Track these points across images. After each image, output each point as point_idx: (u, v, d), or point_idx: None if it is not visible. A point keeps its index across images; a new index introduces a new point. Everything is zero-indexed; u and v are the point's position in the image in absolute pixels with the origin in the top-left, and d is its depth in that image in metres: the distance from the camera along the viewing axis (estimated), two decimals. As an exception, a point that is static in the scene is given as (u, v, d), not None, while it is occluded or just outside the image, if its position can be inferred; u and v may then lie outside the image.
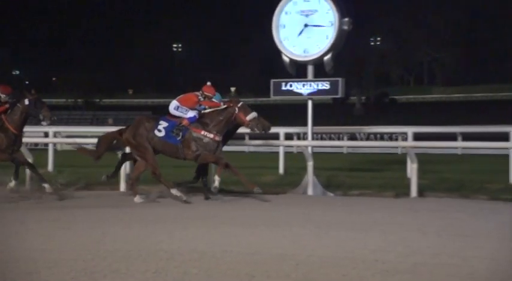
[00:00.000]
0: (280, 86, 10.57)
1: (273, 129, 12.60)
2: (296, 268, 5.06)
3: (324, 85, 10.32)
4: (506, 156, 11.33)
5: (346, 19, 10.09)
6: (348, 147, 20.32)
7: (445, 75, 59.84)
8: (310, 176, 10.03)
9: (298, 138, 16.94)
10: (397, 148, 17.90)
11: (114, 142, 9.48)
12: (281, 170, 12.37)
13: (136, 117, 9.75)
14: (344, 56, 28.82)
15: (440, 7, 55.43)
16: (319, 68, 10.51)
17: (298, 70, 10.76)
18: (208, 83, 9.44)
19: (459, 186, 10.23)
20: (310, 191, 9.99)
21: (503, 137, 12.81)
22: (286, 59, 10.53)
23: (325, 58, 10.28)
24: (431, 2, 55.06)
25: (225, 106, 9.04)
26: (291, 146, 16.60)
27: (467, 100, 52.67)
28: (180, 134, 8.89)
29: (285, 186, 10.51)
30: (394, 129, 18.54)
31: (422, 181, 10.04)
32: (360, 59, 48.84)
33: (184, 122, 8.95)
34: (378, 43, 56.76)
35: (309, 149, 10.37)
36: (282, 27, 10.45)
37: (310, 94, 10.40)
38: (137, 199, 8.92)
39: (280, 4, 10.43)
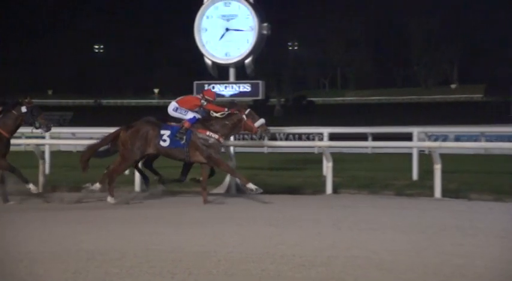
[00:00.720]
0: (203, 87, 10.49)
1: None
2: (218, 265, 5.02)
3: (245, 87, 10.35)
4: (411, 154, 11.75)
5: (265, 24, 10.16)
6: (269, 147, 20.49)
7: (357, 79, 61.51)
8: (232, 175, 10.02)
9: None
10: (314, 147, 18.18)
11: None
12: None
13: (141, 122, 9.00)
14: (264, 59, 29.08)
15: (353, 15, 56.89)
16: (241, 71, 10.53)
17: (220, 72, 10.73)
18: (208, 87, 9.35)
19: (369, 183, 10.50)
20: (232, 190, 9.99)
21: (408, 137, 13.29)
22: (208, 62, 10.49)
23: (246, 61, 10.31)
24: (344, 10, 56.39)
25: (228, 111, 8.80)
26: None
27: (377, 102, 54.34)
28: (184, 137, 8.61)
29: (207, 185, 10.42)
30: (311, 130, 18.81)
31: (336, 178, 10.22)
32: (279, 62, 49.41)
33: (186, 125, 8.70)
34: (296, 48, 57.63)
35: (231, 149, 10.36)
36: (203, 30, 10.39)
37: (232, 96, 10.39)
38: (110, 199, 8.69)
39: (202, 8, 10.36)
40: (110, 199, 8.62)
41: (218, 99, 10.59)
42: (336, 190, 9.77)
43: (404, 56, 57.52)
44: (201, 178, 8.91)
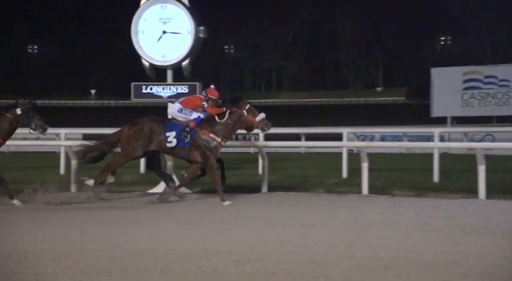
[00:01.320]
0: (141, 89, 10.34)
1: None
2: (155, 263, 4.94)
3: (183, 89, 10.26)
4: (341, 154, 11.97)
5: (202, 28, 10.11)
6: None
7: (291, 82, 62.27)
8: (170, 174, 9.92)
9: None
10: (250, 147, 18.22)
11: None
12: (142, 169, 12.08)
13: (145, 119, 8.71)
14: (201, 62, 28.97)
15: (286, 20, 57.54)
16: (179, 73, 10.43)
17: (159, 74, 10.59)
18: (212, 86, 9.03)
19: (302, 181, 10.63)
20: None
21: (338, 137, 13.57)
22: (146, 64, 10.34)
23: (184, 63, 10.22)
24: (278, 15, 56.94)
25: (229, 111, 8.64)
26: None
27: (310, 104, 55.10)
28: (188, 136, 8.42)
29: (145, 185, 10.27)
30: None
31: (272, 177, 10.29)
32: (216, 65, 49.37)
33: (191, 124, 8.50)
34: (232, 51, 57.74)
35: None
36: (141, 33, 10.22)
37: (170, 97, 10.26)
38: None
39: (139, 11, 10.19)
40: (89, 182, 8.41)
41: (157, 100, 10.48)
42: (271, 188, 9.82)
43: (334, 60, 58.77)
44: (185, 174, 8.79)
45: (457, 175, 10.20)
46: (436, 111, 20.71)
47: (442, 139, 16.12)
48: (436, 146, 11.68)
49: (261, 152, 10.20)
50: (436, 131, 13.92)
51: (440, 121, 20.18)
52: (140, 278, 4.54)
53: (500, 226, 6.46)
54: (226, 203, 8.22)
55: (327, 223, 6.86)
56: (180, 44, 10.12)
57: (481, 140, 16.96)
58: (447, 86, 20.70)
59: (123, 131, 8.53)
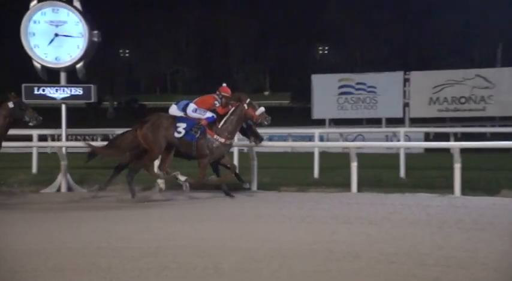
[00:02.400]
0: (33, 90, 9.76)
1: (27, 131, 11.65)
2: (46, 261, 4.70)
3: (77, 91, 9.83)
4: (233, 153, 12.00)
5: (96, 31, 9.73)
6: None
7: (185, 85, 62.06)
8: (63, 174, 9.48)
9: (53, 140, 15.84)
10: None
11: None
12: (34, 169, 11.45)
13: (153, 115, 8.57)
14: (96, 64, 27.96)
15: (179, 26, 57.22)
16: (74, 75, 9.98)
17: (53, 76, 10.06)
18: (224, 84, 8.75)
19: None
20: (63, 189, 9.44)
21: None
22: (37, 65, 9.77)
23: (78, 66, 9.79)
24: (172, 21, 56.43)
25: (233, 108, 8.45)
26: (45, 147, 15.51)
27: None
28: (199, 132, 8.28)
29: (38, 184, 9.74)
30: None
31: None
32: (111, 68, 47.99)
33: (203, 122, 8.36)
34: (127, 55, 56.52)
35: (63, 149, 9.79)
36: (31, 35, 9.64)
37: (63, 99, 9.80)
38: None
39: (28, 13, 9.59)
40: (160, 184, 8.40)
41: (51, 101, 9.95)
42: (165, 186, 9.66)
43: (225, 66, 59.36)
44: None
45: (334, 171, 10.61)
46: (316, 113, 21.49)
47: (321, 139, 16.70)
48: (316, 146, 12.10)
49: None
50: (316, 131, 14.47)
51: (320, 123, 20.93)
52: (30, 278, 4.29)
53: (369, 216, 6.82)
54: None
55: (219, 217, 6.89)
56: (73, 47, 9.69)
57: (353, 140, 17.82)
58: (325, 91, 21.58)
59: (137, 134, 8.27)
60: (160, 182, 8.75)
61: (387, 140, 16.89)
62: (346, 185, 9.07)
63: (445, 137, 15.20)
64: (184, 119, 8.42)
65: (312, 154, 11.44)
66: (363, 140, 17.61)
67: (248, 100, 8.58)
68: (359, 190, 8.93)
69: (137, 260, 4.81)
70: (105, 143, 9.29)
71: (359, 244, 5.34)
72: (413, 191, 8.54)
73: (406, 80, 19.92)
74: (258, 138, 8.94)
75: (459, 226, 6.11)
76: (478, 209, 7.13)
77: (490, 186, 8.65)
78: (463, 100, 18.64)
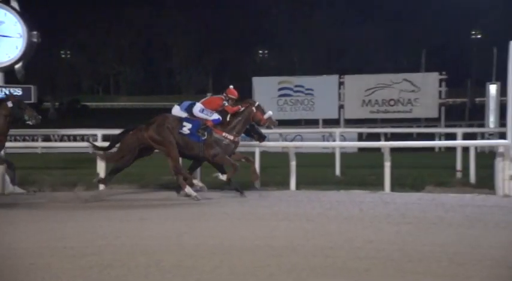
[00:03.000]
0: (-29, 90, 9.31)
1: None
2: (-15, 263, 4.50)
3: (17, 91, 9.42)
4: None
5: (35, 32, 9.38)
6: (43, 148, 19.07)
7: (129, 87, 60.95)
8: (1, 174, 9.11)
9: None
10: (87, 147, 17.33)
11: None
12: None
13: (158, 116, 8.34)
14: (37, 65, 27.01)
15: (122, 28, 56.27)
16: (13, 75, 9.58)
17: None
18: (231, 86, 8.59)
19: (140, 179, 10.39)
20: (7, 188, 9.06)
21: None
22: (-27, 65, 9.33)
23: (16, 66, 9.40)
24: (114, 23, 55.30)
25: (242, 109, 8.30)
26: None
27: (147, 107, 54.28)
28: (205, 133, 8.10)
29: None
30: (86, 131, 17.87)
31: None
32: (52, 68, 46.49)
33: (209, 123, 8.17)
34: (69, 56, 54.96)
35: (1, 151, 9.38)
36: (-33, 35, 9.21)
37: (0, 99, 9.38)
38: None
39: (-37, 13, 9.15)
40: (189, 191, 8.01)
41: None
42: (110, 185, 9.44)
43: (168, 68, 58.83)
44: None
45: (274, 170, 10.71)
46: None
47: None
48: (256, 145, 12.14)
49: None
50: (257, 132, 14.41)
51: None
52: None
53: (306, 212, 6.93)
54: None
55: (162, 216, 6.81)
56: (11, 48, 9.29)
57: (292, 140, 18.03)
58: (266, 93, 21.65)
59: (143, 136, 8.07)
60: (196, 182, 8.37)
61: (324, 140, 17.20)
62: (285, 184, 9.17)
63: (376, 137, 15.67)
64: (191, 119, 8.25)
65: (252, 154, 11.50)
66: (301, 140, 17.85)
67: (257, 103, 8.50)
68: (297, 187, 9.06)
69: (78, 259, 4.69)
70: (106, 143, 9.07)
71: (297, 239, 5.43)
72: (347, 188, 8.75)
73: (341, 83, 20.34)
74: (262, 137, 8.94)
75: (388, 221, 6.31)
76: (405, 205, 7.38)
77: (416, 182, 8.97)
78: (392, 102, 19.25)
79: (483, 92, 17.20)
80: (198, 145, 8.15)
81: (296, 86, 21.65)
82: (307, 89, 21.33)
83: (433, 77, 18.99)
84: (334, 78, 20.83)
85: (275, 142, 16.80)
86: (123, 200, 8.23)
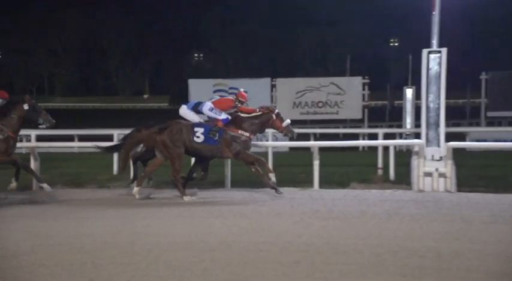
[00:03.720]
0: None
1: None
2: None
3: None
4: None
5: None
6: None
7: (64, 88, 58.81)
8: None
9: None
10: (21, 148, 16.57)
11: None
12: None
13: (172, 121, 8.05)
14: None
15: (57, 30, 54.13)
16: None
17: None
18: (242, 90, 8.56)
19: (76, 178, 10.08)
20: None
21: (110, 138, 13.17)
22: None
23: None
24: (49, 25, 53.18)
25: (260, 113, 8.19)
26: None
27: (83, 108, 52.58)
28: (217, 134, 7.93)
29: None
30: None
31: (45, 175, 9.50)
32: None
33: (219, 124, 8.02)
34: (0, 57, 52.30)
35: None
36: None
37: None
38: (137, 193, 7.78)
39: None
40: (186, 198, 7.73)
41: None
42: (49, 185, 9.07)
43: (104, 70, 57.23)
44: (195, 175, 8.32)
45: (210, 169, 10.68)
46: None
47: (197, 139, 16.74)
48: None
49: (33, 153, 9.39)
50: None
51: None
52: None
53: (240, 209, 6.97)
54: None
55: (99, 214, 6.64)
56: None
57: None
58: (201, 94, 21.59)
59: (156, 139, 7.84)
60: (272, 176, 8.07)
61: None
62: (220, 182, 9.17)
63: (306, 137, 15.98)
64: (201, 124, 8.09)
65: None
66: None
67: (276, 111, 8.40)
68: (232, 186, 9.09)
69: (9, 261, 4.49)
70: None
71: (231, 235, 5.44)
72: (280, 186, 8.87)
73: (273, 86, 20.70)
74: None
75: (317, 216, 6.47)
76: (332, 201, 7.59)
77: (342, 180, 9.24)
78: (320, 104, 19.73)
79: (401, 96, 17.94)
80: (215, 147, 7.98)
81: (230, 88, 21.80)
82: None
83: (357, 81, 19.63)
84: (266, 81, 21.14)
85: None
86: (58, 199, 7.94)
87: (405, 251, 4.75)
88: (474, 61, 24.69)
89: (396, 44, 34.74)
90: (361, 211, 6.72)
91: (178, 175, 7.96)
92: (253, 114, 8.21)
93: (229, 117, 8.14)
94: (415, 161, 8.81)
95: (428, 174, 8.65)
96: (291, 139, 8.92)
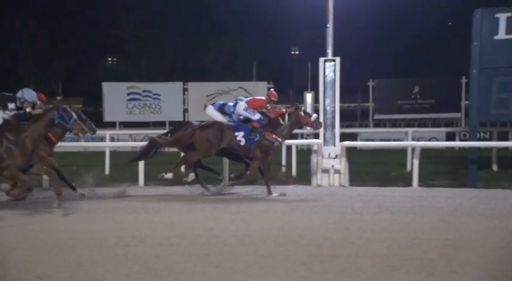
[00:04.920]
0: None
1: None
2: None
3: None
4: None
5: None
6: None
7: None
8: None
9: None
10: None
11: None
12: None
13: (214, 122, 7.96)
14: None
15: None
16: None
17: None
18: (272, 89, 8.42)
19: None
20: None
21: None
22: None
23: None
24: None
25: (287, 112, 8.09)
26: None
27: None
28: (257, 135, 7.80)
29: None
30: None
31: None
32: None
33: (256, 125, 7.85)
34: None
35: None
36: None
37: None
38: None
39: None
40: (168, 175, 7.81)
41: None
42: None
43: (15, 73, 53.69)
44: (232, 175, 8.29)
45: (124, 168, 10.38)
46: (107, 117, 21.14)
47: (112, 139, 16.26)
48: (107, 145, 11.69)
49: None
50: (108, 133, 13.94)
51: (111, 125, 20.55)
52: None
53: (154, 205, 6.84)
54: (274, 195, 7.69)
55: (10, 213, 6.18)
56: None
57: (141, 140, 17.57)
58: (115, 97, 21.51)
59: (195, 134, 7.79)
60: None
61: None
62: (134, 180, 8.95)
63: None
64: (239, 126, 7.89)
65: (103, 153, 11.07)
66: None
67: (303, 108, 8.36)
68: (146, 183, 8.89)
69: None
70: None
71: (144, 231, 5.31)
72: (192, 183, 8.79)
73: (185, 89, 20.87)
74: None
75: (226, 211, 6.50)
76: (241, 196, 7.67)
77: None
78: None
79: (302, 99, 18.56)
80: (251, 148, 7.86)
81: (144, 91, 21.65)
82: (155, 94, 21.53)
83: (263, 85, 20.17)
84: (179, 85, 21.40)
85: (125, 142, 16.38)
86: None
87: (304, 240, 4.91)
88: (364, 69, 26.16)
89: (297, 52, 36.07)
90: (266, 205, 6.85)
91: (189, 161, 7.89)
92: (283, 115, 8.17)
93: (262, 117, 7.99)
94: (314, 159, 9.14)
95: (326, 171, 9.01)
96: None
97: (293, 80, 29.53)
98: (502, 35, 9.27)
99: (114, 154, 11.76)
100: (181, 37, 35.23)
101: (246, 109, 7.91)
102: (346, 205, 6.92)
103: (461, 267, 3.88)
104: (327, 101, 9.19)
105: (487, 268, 3.87)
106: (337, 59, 9.26)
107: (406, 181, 9.01)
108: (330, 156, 9.09)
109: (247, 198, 7.51)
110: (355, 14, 24.29)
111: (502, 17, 9.26)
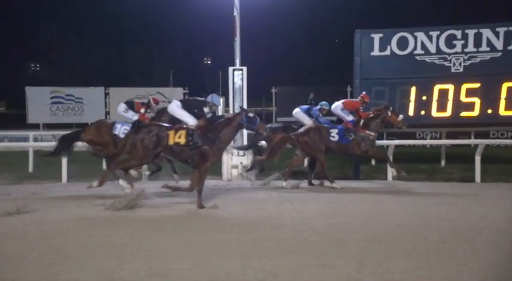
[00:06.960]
0: None
1: None
2: None
3: None
4: None
5: None
6: None
7: None
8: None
9: None
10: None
11: None
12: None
13: (311, 126, 8.12)
14: None
15: None
16: None
17: None
18: (364, 92, 8.33)
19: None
20: None
21: None
22: None
23: None
24: None
25: (373, 114, 8.03)
26: None
27: None
28: (352, 134, 7.85)
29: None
30: None
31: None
32: None
33: (349, 125, 7.90)
34: None
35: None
36: None
37: None
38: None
39: None
40: (285, 184, 7.79)
41: None
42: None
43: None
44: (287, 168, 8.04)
45: (47, 166, 9.72)
46: (31, 119, 20.43)
47: (36, 140, 15.35)
48: (31, 146, 11.19)
49: None
50: (31, 134, 13.29)
51: (35, 127, 19.77)
52: None
53: (76, 201, 6.50)
54: (335, 185, 7.68)
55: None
56: None
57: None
58: (39, 101, 20.94)
59: (297, 140, 7.95)
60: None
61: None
62: (57, 177, 8.52)
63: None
64: (334, 126, 8.05)
65: (27, 153, 10.36)
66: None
67: (391, 108, 8.17)
68: (69, 180, 8.42)
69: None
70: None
71: (65, 223, 5.03)
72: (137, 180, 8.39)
73: (107, 94, 20.67)
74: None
75: (144, 205, 6.32)
76: (159, 192, 7.48)
77: (170, 173, 9.06)
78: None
79: (214, 104, 18.58)
80: (347, 145, 7.91)
81: (67, 95, 21.29)
82: (78, 98, 21.23)
83: (179, 91, 20.21)
84: (100, 90, 21.19)
85: (48, 142, 15.31)
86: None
87: (217, 228, 4.92)
88: (268, 77, 26.92)
89: (209, 62, 36.32)
90: (182, 199, 6.75)
91: (324, 166, 7.89)
92: (372, 116, 8.06)
93: (355, 119, 7.99)
94: (225, 156, 9.18)
95: (235, 166, 9.12)
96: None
97: (206, 86, 29.61)
98: (376, 52, 10.00)
99: (39, 153, 10.93)
100: (100, 46, 33.81)
101: (342, 110, 8.02)
102: (252, 196, 7.00)
103: (346, 247, 4.12)
104: (236, 105, 9.30)
105: (365, 246, 4.14)
106: (244, 68, 9.42)
107: (303, 176, 9.24)
108: (239, 154, 9.19)
109: (163, 194, 7.31)
110: (261, 29, 24.98)
111: (376, 37, 9.99)
